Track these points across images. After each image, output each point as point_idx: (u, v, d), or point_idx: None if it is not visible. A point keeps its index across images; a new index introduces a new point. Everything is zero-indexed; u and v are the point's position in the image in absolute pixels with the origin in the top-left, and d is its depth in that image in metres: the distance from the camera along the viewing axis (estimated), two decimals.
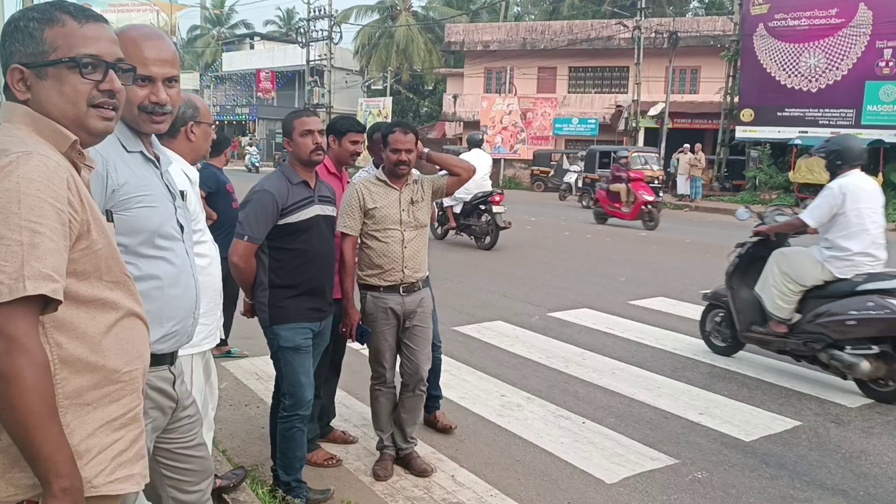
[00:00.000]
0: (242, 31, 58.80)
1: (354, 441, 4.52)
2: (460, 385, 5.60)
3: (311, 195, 3.53)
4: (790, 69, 22.45)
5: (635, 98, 28.35)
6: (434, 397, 4.78)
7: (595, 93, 34.18)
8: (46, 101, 1.58)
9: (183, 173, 2.79)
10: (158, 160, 2.18)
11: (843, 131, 20.69)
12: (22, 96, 1.57)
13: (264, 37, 55.13)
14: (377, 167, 4.48)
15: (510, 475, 4.17)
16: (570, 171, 26.18)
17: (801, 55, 22.16)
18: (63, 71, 1.57)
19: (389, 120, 35.46)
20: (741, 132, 23.73)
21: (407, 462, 4.17)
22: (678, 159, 23.98)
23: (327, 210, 3.63)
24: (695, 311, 7.89)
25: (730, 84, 25.77)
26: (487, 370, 5.96)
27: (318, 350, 3.75)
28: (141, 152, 2.11)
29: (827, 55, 21.68)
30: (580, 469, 4.23)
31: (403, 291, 3.94)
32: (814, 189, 20.73)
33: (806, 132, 21.46)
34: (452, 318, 7.58)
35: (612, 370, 5.99)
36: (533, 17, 44.55)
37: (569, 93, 34.61)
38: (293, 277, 3.50)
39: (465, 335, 6.97)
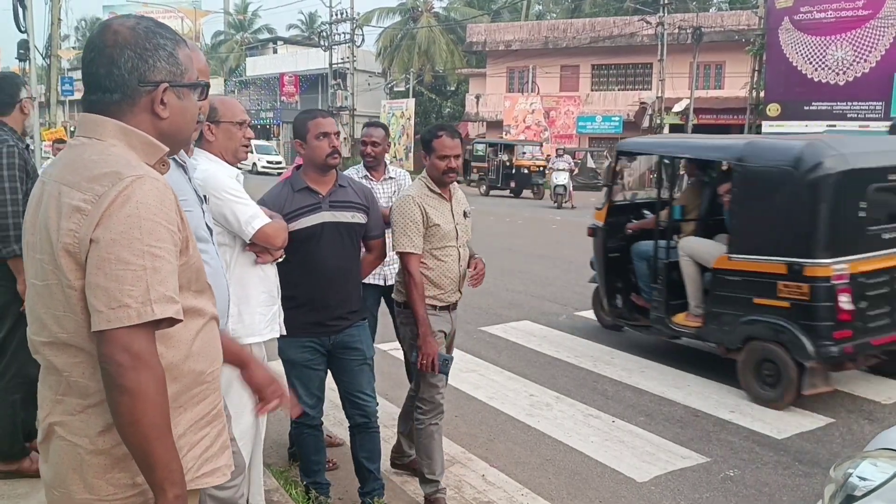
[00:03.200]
0: (265, 35, 59.22)
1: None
2: (489, 385, 5.61)
3: (316, 202, 3.32)
4: (816, 62, 22.19)
5: (659, 95, 28.16)
6: None
7: (619, 90, 33.99)
8: (181, 120, 1.62)
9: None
10: (186, 165, 2.23)
11: (871, 124, 20.47)
12: (164, 114, 1.58)
13: (287, 41, 55.47)
14: (368, 168, 4.47)
15: (541, 474, 4.17)
16: (560, 171, 22.43)
17: (827, 48, 21.90)
18: (189, 92, 1.63)
19: (413, 121, 35.63)
20: (767, 127, 23.46)
21: (415, 468, 4.01)
22: None
23: (343, 217, 3.36)
24: None
25: (755, 79, 25.52)
26: (515, 370, 5.97)
27: (352, 365, 3.48)
28: (174, 158, 2.15)
29: (854, 48, 21.41)
30: (611, 468, 4.23)
31: (453, 309, 3.73)
32: None
33: (834, 126, 21.19)
34: (479, 318, 7.60)
35: (640, 369, 5.97)
36: (555, 15, 44.40)
37: (592, 91, 34.46)
38: (290, 289, 3.26)
39: (492, 335, 6.98)
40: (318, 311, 3.38)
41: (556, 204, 21.77)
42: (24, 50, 14.33)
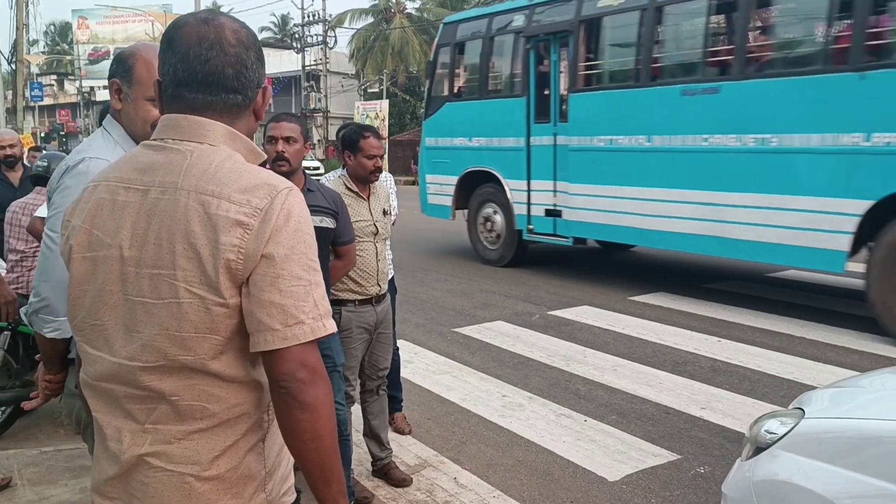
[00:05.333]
0: None
1: None
2: (462, 387, 5.60)
3: None
4: None
5: None
6: (395, 399, 4.72)
7: None
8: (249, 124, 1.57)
9: None
10: None
11: None
12: (262, 116, 1.56)
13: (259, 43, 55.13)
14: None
15: (512, 476, 4.17)
16: None
17: None
18: None
19: (387, 123, 35.53)
20: None
21: (385, 472, 4.09)
22: None
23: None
24: (696, 306, 7.91)
25: None
26: (489, 371, 5.97)
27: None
28: None
29: None
30: (582, 468, 4.24)
31: (376, 302, 3.85)
32: None
33: None
34: (453, 319, 7.59)
35: (613, 367, 5.99)
36: None
37: None
38: None
39: (466, 336, 6.97)
40: None
41: None
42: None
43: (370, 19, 44.15)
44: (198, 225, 1.34)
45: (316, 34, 39.66)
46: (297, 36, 42.01)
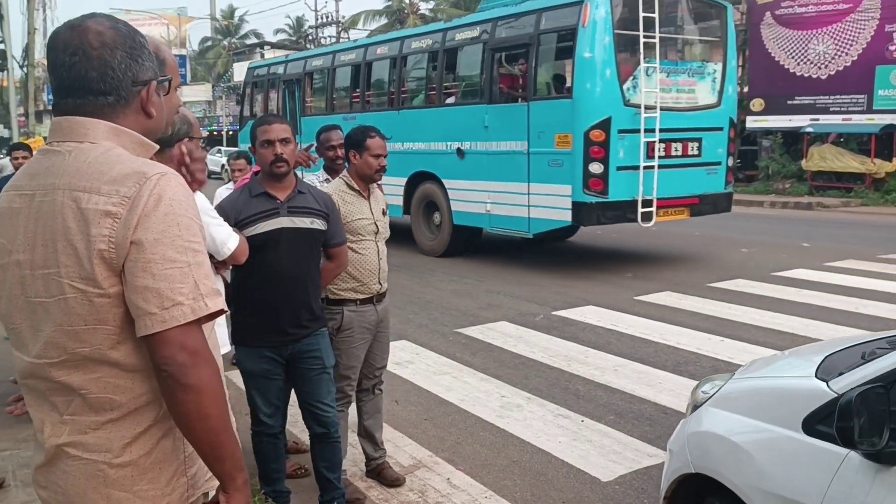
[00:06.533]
0: (253, 40, 59.06)
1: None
2: (461, 387, 5.60)
3: (273, 207, 3.29)
4: (799, 57, 22.23)
5: None
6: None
7: None
8: (162, 117, 1.61)
9: None
10: None
11: (854, 118, 20.53)
12: (153, 112, 1.57)
13: (274, 45, 55.24)
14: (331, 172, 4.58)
15: (506, 476, 4.17)
16: None
17: (809, 42, 21.93)
18: (162, 87, 1.62)
19: None
20: (751, 122, 23.50)
21: (378, 472, 4.10)
22: None
23: (302, 223, 3.34)
24: (701, 305, 7.88)
25: (738, 74, 25.57)
26: (489, 371, 5.96)
27: (310, 374, 3.45)
28: None
29: (836, 41, 21.44)
30: (577, 468, 4.23)
31: (377, 301, 3.87)
32: (827, 177, 20.54)
33: (817, 119, 21.22)
34: (457, 320, 7.59)
35: (613, 367, 5.98)
36: None
37: None
38: (248, 297, 3.32)
39: (468, 337, 6.97)
40: (275, 319, 3.34)
41: None
42: (2, 60, 14.27)
43: (384, 20, 44.18)
44: (73, 221, 1.39)
45: (330, 35, 39.78)
46: (311, 38, 42.17)
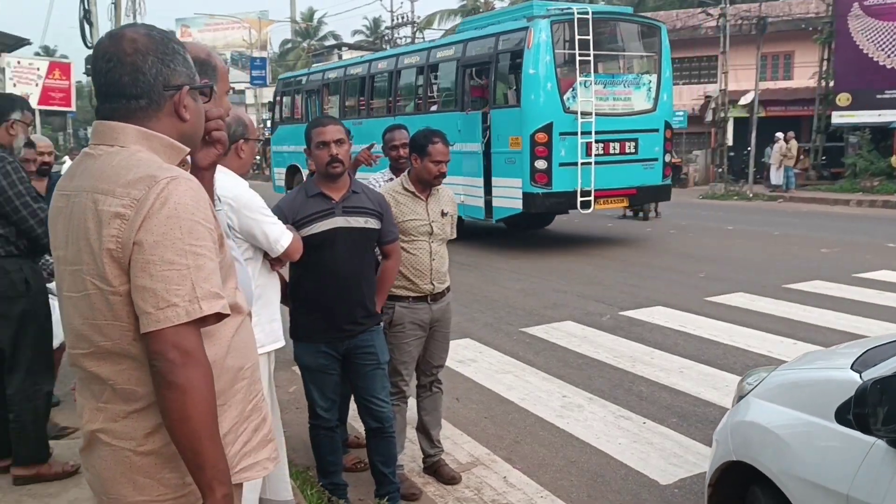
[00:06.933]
0: (331, 42, 60.03)
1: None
2: (523, 386, 5.59)
3: (329, 208, 3.37)
4: (889, 49, 21.31)
5: (723, 88, 27.46)
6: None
7: (682, 84, 33.21)
8: (198, 122, 1.68)
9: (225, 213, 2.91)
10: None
11: None
12: (187, 116, 1.63)
13: (351, 46, 56.01)
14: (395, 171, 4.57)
15: (563, 476, 4.15)
16: None
17: None
18: (197, 94, 1.68)
19: None
20: (837, 117, 22.67)
21: (435, 470, 4.12)
22: (771, 149, 23.18)
23: (356, 222, 3.41)
24: (775, 307, 7.65)
25: (824, 68, 24.65)
26: (551, 371, 5.94)
27: (365, 370, 3.52)
28: None
29: None
30: (635, 470, 4.18)
31: (432, 301, 3.90)
32: None
33: None
34: (521, 319, 7.58)
35: (679, 369, 5.87)
36: None
37: None
38: (305, 294, 3.42)
39: (532, 336, 6.95)
40: (332, 317, 3.43)
41: None
42: (90, 65, 14.89)
43: (459, 19, 44.34)
44: (91, 222, 1.48)
45: (405, 36, 40.11)
46: (387, 38, 42.60)
